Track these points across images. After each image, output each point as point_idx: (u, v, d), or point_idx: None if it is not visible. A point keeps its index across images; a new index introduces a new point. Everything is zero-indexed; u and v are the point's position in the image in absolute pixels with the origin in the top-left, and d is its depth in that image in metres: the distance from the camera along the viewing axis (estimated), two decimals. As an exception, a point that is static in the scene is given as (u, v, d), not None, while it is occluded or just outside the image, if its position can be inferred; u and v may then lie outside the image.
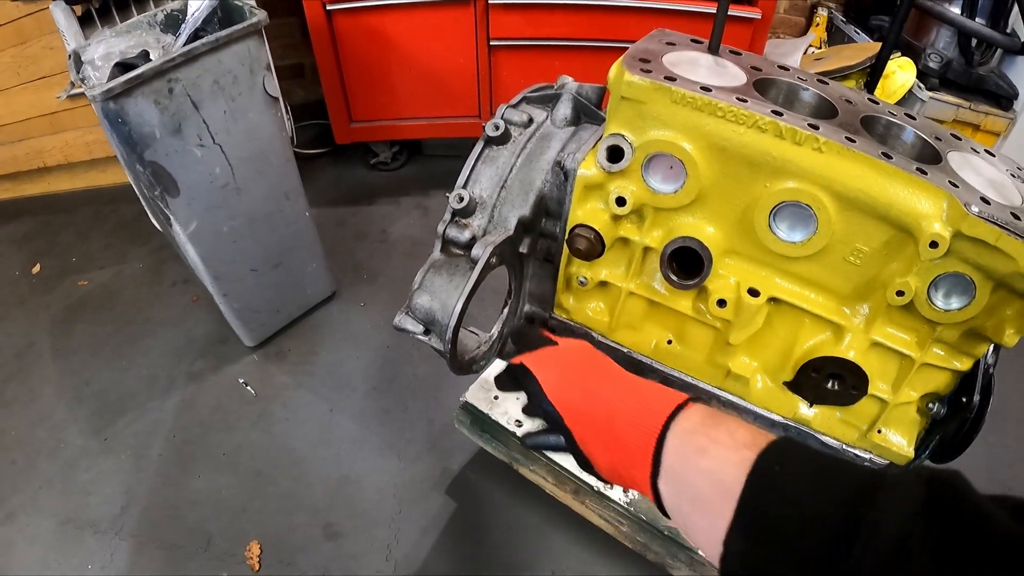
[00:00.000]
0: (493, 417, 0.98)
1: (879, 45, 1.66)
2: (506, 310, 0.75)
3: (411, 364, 1.34)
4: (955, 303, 0.54)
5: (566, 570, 1.03)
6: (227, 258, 1.18)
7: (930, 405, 0.63)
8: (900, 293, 0.54)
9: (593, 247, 0.64)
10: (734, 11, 1.36)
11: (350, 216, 1.69)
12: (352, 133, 1.64)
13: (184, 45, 1.09)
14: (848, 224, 0.54)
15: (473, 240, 0.64)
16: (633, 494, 0.91)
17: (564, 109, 0.67)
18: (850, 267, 0.57)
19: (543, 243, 0.70)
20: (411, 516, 1.10)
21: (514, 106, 0.68)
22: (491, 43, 1.48)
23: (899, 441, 0.64)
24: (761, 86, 0.58)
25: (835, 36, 1.95)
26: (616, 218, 0.62)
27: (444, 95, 1.60)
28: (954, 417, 0.61)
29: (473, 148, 0.67)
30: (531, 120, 0.66)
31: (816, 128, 0.52)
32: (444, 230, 0.65)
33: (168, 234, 1.22)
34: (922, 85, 1.63)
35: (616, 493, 0.92)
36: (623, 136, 0.58)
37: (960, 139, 0.60)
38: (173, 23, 1.15)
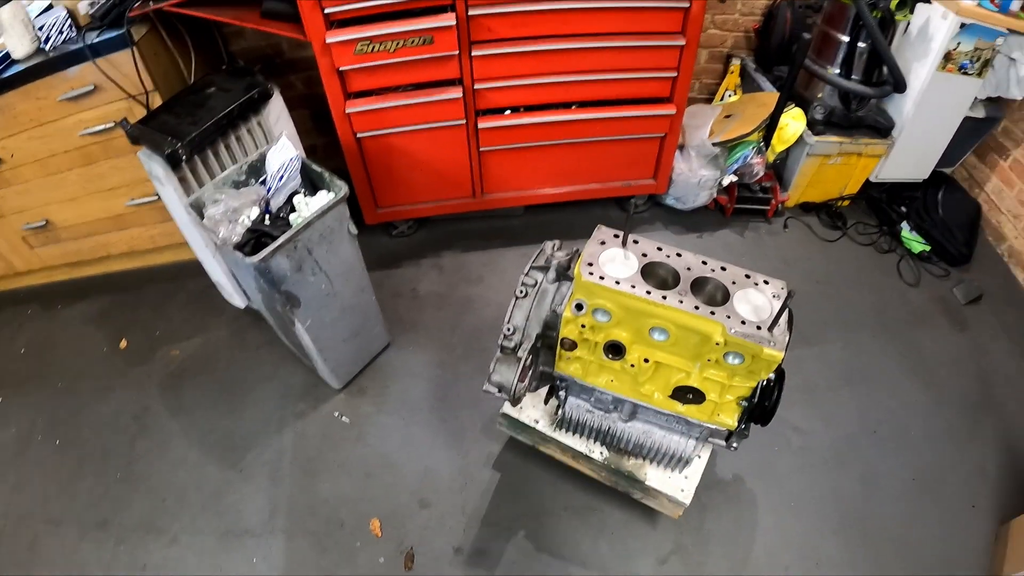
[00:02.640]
0: (521, 420, 1.81)
1: (775, 97, 2.43)
2: (531, 370, 1.56)
3: (455, 388, 2.12)
4: (736, 361, 1.37)
5: (571, 503, 1.87)
6: (327, 336, 1.91)
7: (742, 402, 1.47)
8: (709, 360, 1.37)
9: (573, 345, 1.44)
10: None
11: (384, 279, 2.42)
12: (378, 216, 2.38)
13: (284, 203, 1.81)
14: (682, 333, 1.35)
15: (516, 347, 1.44)
16: (603, 453, 1.75)
17: (551, 275, 1.45)
18: (686, 348, 1.38)
19: (548, 341, 1.50)
20: (473, 485, 1.91)
21: (527, 274, 1.47)
22: (481, 150, 2.22)
23: (728, 420, 1.48)
24: (646, 269, 1.37)
25: (747, 82, 2.73)
26: (581, 332, 1.42)
27: (447, 184, 2.34)
28: (756, 407, 1.46)
29: (512, 301, 1.46)
30: (536, 282, 1.45)
31: (664, 297, 1.32)
32: (501, 343, 1.45)
33: (286, 328, 1.93)
34: (810, 132, 2.43)
35: (596, 453, 1.76)
36: (583, 300, 1.37)
37: (751, 277, 1.40)
38: (255, 172, 1.84)
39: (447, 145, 2.21)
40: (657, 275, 1.38)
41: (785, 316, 1.28)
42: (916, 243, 2.53)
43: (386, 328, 2.18)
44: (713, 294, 1.37)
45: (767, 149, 2.46)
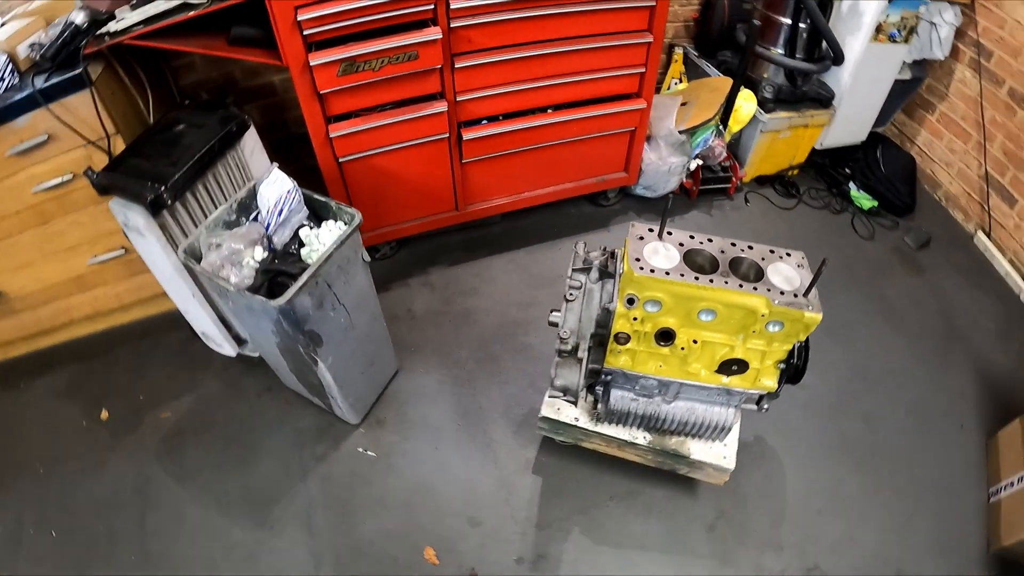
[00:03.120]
0: (562, 420, 1.88)
1: (729, 80, 2.65)
2: (584, 367, 1.63)
3: (474, 402, 2.15)
4: (776, 329, 1.51)
5: (615, 492, 1.96)
6: (347, 371, 1.89)
7: (780, 364, 1.62)
8: (753, 331, 1.50)
9: (627, 338, 1.53)
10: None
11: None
12: (363, 241, 2.34)
13: (290, 238, 1.77)
14: (728, 311, 1.47)
15: (574, 349, 1.51)
16: (646, 438, 1.86)
17: (594, 275, 1.53)
18: (731, 324, 1.51)
19: (599, 338, 1.58)
20: (517, 493, 1.95)
21: (571, 278, 1.54)
22: (463, 162, 2.25)
23: (770, 383, 1.63)
24: (687, 257, 1.48)
25: (691, 69, 2.93)
26: (633, 324, 1.52)
27: (430, 200, 2.36)
28: (791, 368, 1.61)
29: (563, 304, 1.53)
30: (581, 285, 1.52)
31: (711, 280, 1.43)
32: (558, 347, 1.51)
33: (301, 370, 1.88)
34: (762, 110, 2.65)
35: (640, 438, 1.87)
36: (635, 294, 1.46)
37: (775, 252, 1.55)
38: (245, 210, 1.80)
39: (430, 160, 2.23)
40: (695, 261, 1.49)
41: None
42: (865, 200, 2.83)
43: (395, 353, 2.18)
44: (747, 272, 1.50)
45: (725, 131, 2.67)
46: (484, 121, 2.22)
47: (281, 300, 1.52)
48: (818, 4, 2.30)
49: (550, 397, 1.55)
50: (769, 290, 1.42)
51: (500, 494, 1.95)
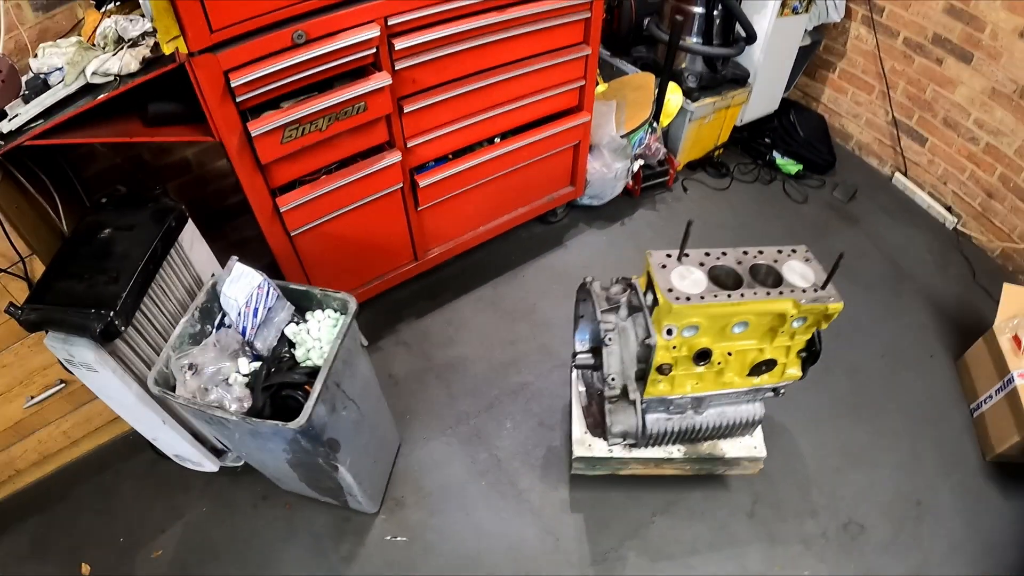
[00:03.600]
0: (597, 456, 1.88)
1: (650, 76, 2.73)
2: (639, 409, 1.63)
3: (489, 455, 2.10)
4: (799, 324, 1.60)
5: (656, 507, 2.00)
6: (362, 464, 1.78)
7: (801, 353, 1.72)
8: (782, 332, 1.58)
9: (669, 368, 1.55)
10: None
11: (362, 374, 2.28)
12: None
13: (277, 340, 1.61)
14: (759, 319, 1.54)
15: (622, 391, 1.51)
16: (681, 451, 1.92)
17: (623, 312, 1.53)
18: (761, 330, 1.58)
19: (638, 373, 1.59)
20: (564, 537, 1.93)
21: (604, 322, 1.53)
22: (419, 209, 2.17)
23: (796, 373, 1.72)
24: (712, 274, 1.52)
25: (605, 69, 2.98)
26: (672, 352, 1.54)
27: (387, 256, 2.27)
28: (813, 354, 1.71)
29: (603, 349, 1.51)
30: (614, 326, 1.52)
31: (743, 295, 1.49)
32: (607, 394, 1.50)
33: (315, 476, 1.74)
34: (689, 100, 2.76)
35: (675, 453, 1.92)
36: (673, 324, 1.48)
37: (782, 251, 1.63)
38: (208, 315, 1.63)
39: (385, 215, 2.13)
40: (717, 277, 1.54)
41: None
42: (790, 165, 3.05)
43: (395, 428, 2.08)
44: (767, 277, 1.57)
45: (658, 126, 2.76)
46: (435, 163, 2.15)
47: (300, 420, 1.39)
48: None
49: (610, 443, 1.55)
50: (792, 291, 1.50)
51: (548, 542, 1.93)
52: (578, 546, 1.93)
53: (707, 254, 1.57)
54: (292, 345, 1.63)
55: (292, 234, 1.94)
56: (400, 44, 1.74)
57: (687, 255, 1.55)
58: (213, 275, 1.91)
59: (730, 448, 1.91)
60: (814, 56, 3.16)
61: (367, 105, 1.78)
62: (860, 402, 2.29)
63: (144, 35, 1.59)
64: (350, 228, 2.07)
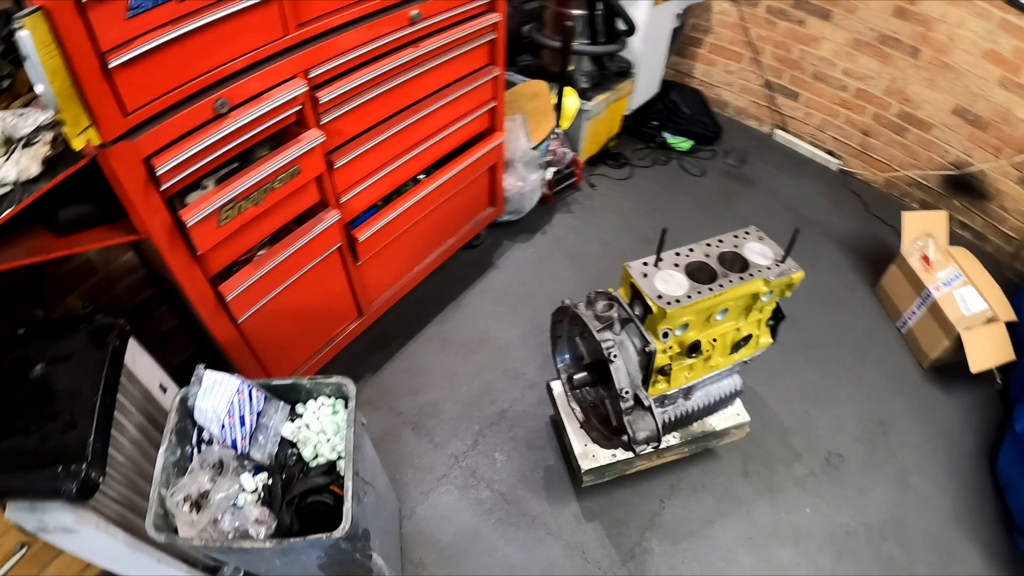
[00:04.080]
0: (603, 463, 1.98)
1: (542, 83, 2.84)
2: (654, 411, 1.73)
3: (490, 492, 2.13)
4: (768, 297, 1.78)
5: (661, 493, 2.14)
6: (385, 541, 1.74)
7: (769, 322, 1.91)
8: (759, 310, 1.76)
9: (669, 369, 1.67)
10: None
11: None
12: None
13: (276, 444, 1.53)
14: (737, 302, 1.70)
15: (636, 399, 1.60)
16: (676, 437, 2.06)
17: (616, 327, 1.63)
18: (738, 311, 1.74)
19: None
20: (589, 547, 2.01)
21: (603, 340, 1.61)
22: (358, 263, 2.13)
23: (768, 340, 1.91)
24: (688, 271, 1.65)
25: None
26: (668, 352, 1.66)
27: (334, 320, 2.22)
28: (778, 319, 1.91)
29: (611, 367, 1.60)
30: (614, 342, 1.61)
31: (722, 285, 1.63)
32: (623, 407, 1.59)
33: (355, 568, 1.65)
34: (585, 100, 2.90)
35: (672, 440, 2.06)
36: (668, 328, 1.60)
37: (737, 235, 1.79)
38: (184, 436, 1.52)
39: (327, 277, 2.08)
40: (694, 273, 1.68)
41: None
42: (682, 143, 3.32)
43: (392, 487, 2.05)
44: (733, 262, 1.73)
45: (560, 130, 2.88)
46: (367, 214, 2.12)
47: (344, 526, 1.33)
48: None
49: (638, 453, 1.64)
50: (760, 271, 1.67)
51: (575, 557, 2.01)
52: (604, 552, 2.02)
53: (677, 254, 1.70)
54: (293, 445, 1.56)
55: (239, 321, 1.84)
56: (325, 96, 1.70)
57: (661, 259, 1.67)
58: (163, 386, 1.79)
59: (718, 422, 2.09)
60: (682, 36, 3.44)
61: (301, 168, 1.73)
62: (805, 348, 2.58)
63: (39, 130, 1.40)
64: (294, 299, 2.00)
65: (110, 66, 1.22)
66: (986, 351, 2.38)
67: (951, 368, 2.50)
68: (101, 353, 1.51)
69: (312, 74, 1.64)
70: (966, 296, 2.45)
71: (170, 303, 2.15)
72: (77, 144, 1.29)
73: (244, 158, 1.68)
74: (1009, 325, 2.42)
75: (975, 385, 2.52)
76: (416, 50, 1.88)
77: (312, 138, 1.70)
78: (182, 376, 1.84)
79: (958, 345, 2.38)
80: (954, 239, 2.80)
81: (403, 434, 2.29)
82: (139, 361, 1.71)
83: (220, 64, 1.44)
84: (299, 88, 1.60)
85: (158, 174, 1.41)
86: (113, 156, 1.33)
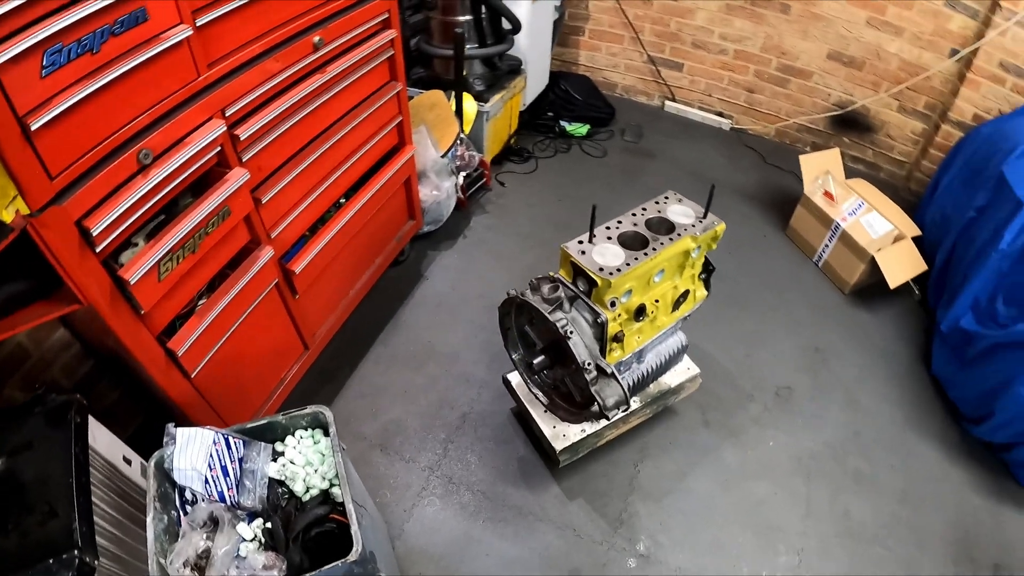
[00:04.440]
0: (575, 440, 2.11)
1: (439, 92, 2.94)
2: (618, 376, 1.87)
3: (470, 494, 2.22)
4: (697, 252, 1.97)
5: (633, 459, 2.30)
6: (386, 561, 1.78)
7: (701, 276, 2.10)
8: (691, 266, 1.95)
9: (622, 335, 1.82)
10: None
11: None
12: None
13: (265, 488, 1.54)
14: (671, 262, 1.87)
15: (598, 368, 1.74)
16: (637, 401, 2.23)
17: (565, 305, 1.76)
18: (673, 269, 1.92)
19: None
20: (579, 524, 2.13)
21: (556, 320, 1.73)
22: (296, 295, 2.17)
23: (703, 293, 2.11)
24: (621, 241, 1.81)
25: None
26: (618, 319, 1.81)
27: (282, 357, 2.25)
28: (709, 271, 2.11)
29: (568, 343, 1.72)
30: (567, 320, 1.74)
31: (655, 249, 1.80)
32: (588, 378, 1.72)
33: None
34: (482, 103, 3.03)
35: (635, 404, 2.22)
36: (614, 296, 1.74)
37: (658, 201, 1.97)
38: (166, 500, 1.53)
39: (269, 315, 2.10)
40: (626, 242, 1.85)
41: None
42: (579, 128, 3.54)
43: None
44: (660, 225, 1.91)
45: (464, 135, 3.01)
46: (297, 247, 2.17)
47: (357, 548, 1.38)
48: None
49: (610, 418, 1.78)
50: (686, 229, 1.86)
51: (568, 536, 2.13)
52: (594, 524, 2.15)
53: (608, 228, 1.86)
54: (282, 484, 1.59)
55: (193, 375, 1.84)
56: (244, 133, 1.73)
57: (594, 235, 1.82)
58: (126, 458, 1.77)
59: (672, 379, 2.28)
60: (563, 26, 3.66)
61: (231, 208, 1.76)
62: (735, 297, 2.84)
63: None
64: (242, 344, 2.01)
65: (31, 129, 1.22)
66: (900, 267, 2.73)
67: (871, 289, 2.84)
68: (64, 433, 1.49)
69: (228, 112, 1.68)
70: (871, 221, 2.78)
71: (111, 374, 2.10)
72: (7, 216, 1.27)
73: (169, 211, 1.70)
74: (916, 240, 2.78)
75: (896, 300, 2.89)
76: (323, 75, 1.95)
77: (238, 176, 1.74)
78: (138, 447, 1.84)
79: (873, 267, 2.71)
80: (850, 173, 3.18)
81: (372, 458, 2.33)
82: (99, 436, 1.68)
83: (139, 114, 1.46)
84: (218, 128, 1.64)
85: (93, 235, 1.40)
86: (44, 224, 1.32)
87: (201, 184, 1.72)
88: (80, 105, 1.31)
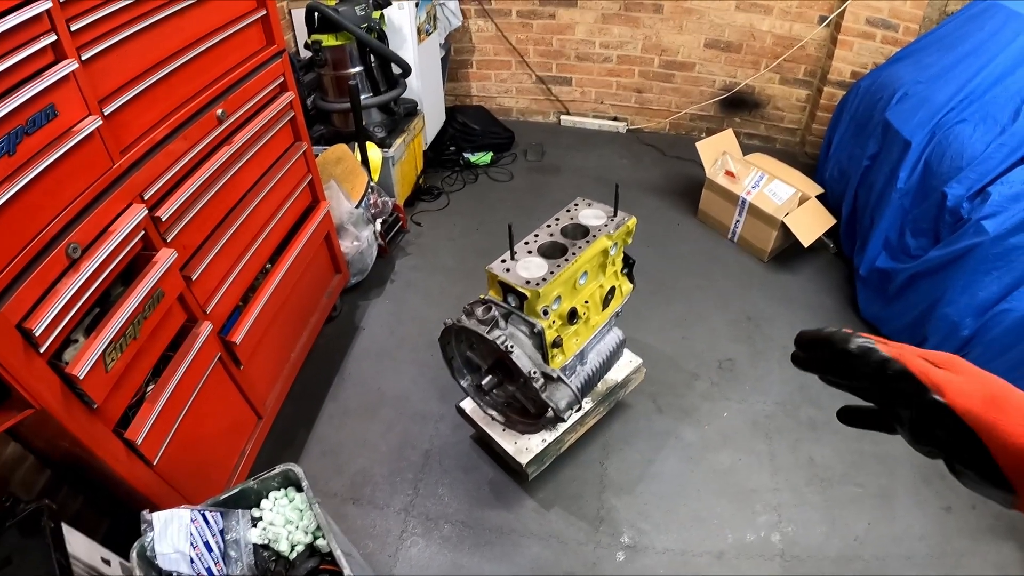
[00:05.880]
0: (537, 451, 2.29)
1: (342, 146, 3.13)
2: (566, 379, 2.07)
3: (448, 525, 2.36)
4: (615, 249, 2.22)
5: (599, 458, 2.50)
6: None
7: (623, 271, 2.35)
8: (612, 263, 2.19)
9: (560, 341, 2.03)
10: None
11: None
12: None
13: (248, 551, 1.64)
14: (591, 263, 2.10)
15: (545, 376, 1.94)
16: (589, 401, 2.43)
17: (501, 323, 1.96)
18: (595, 269, 2.15)
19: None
20: (558, 532, 2.30)
21: (495, 339, 1.93)
22: (241, 367, 2.28)
23: (628, 286, 2.34)
24: (541, 252, 2.03)
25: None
26: (553, 325, 2.02)
27: (235, 430, 2.34)
28: (629, 264, 2.35)
29: (511, 357, 1.92)
30: (505, 336, 1.94)
31: (574, 253, 2.03)
32: (536, 387, 1.92)
33: None
34: (386, 149, 3.23)
35: (587, 404, 2.42)
36: (545, 305, 1.96)
37: (569, 209, 2.21)
38: None
39: (218, 391, 2.20)
40: (547, 253, 2.07)
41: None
42: (483, 157, 3.83)
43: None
44: (575, 231, 2.15)
45: (374, 184, 3.20)
46: (233, 319, 2.29)
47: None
48: (378, 39, 2.97)
49: (566, 419, 1.97)
50: (600, 230, 2.11)
51: (553, 545, 2.29)
52: (576, 528, 2.33)
53: (526, 243, 2.09)
54: (266, 547, 1.70)
55: (155, 463, 1.93)
56: (164, 213, 1.86)
57: (515, 252, 2.04)
58: (105, 559, 1.83)
59: (617, 374, 2.51)
60: (450, 62, 3.93)
61: (164, 290, 1.88)
62: (660, 286, 3.14)
63: None
64: (196, 423, 2.10)
65: (-40, 238, 1.33)
66: (810, 225, 3.09)
67: (787, 252, 3.22)
68: (42, 541, 1.55)
69: (147, 195, 1.80)
70: (775, 189, 3.14)
71: (69, 480, 2.14)
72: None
73: (102, 303, 1.81)
74: (820, 197, 3.16)
75: (813, 257, 3.28)
76: (231, 146, 2.10)
77: (166, 257, 1.86)
78: (112, 548, 1.90)
79: (785, 231, 3.06)
80: (747, 149, 3.55)
81: (346, 512, 2.44)
82: (73, 541, 1.74)
83: (62, 209, 1.57)
84: (140, 213, 1.76)
85: (35, 336, 1.49)
86: (-17, 339, 1.40)
87: (130, 272, 1.84)
88: (5, 207, 1.41)
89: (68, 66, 1.51)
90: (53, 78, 1.47)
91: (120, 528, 2.06)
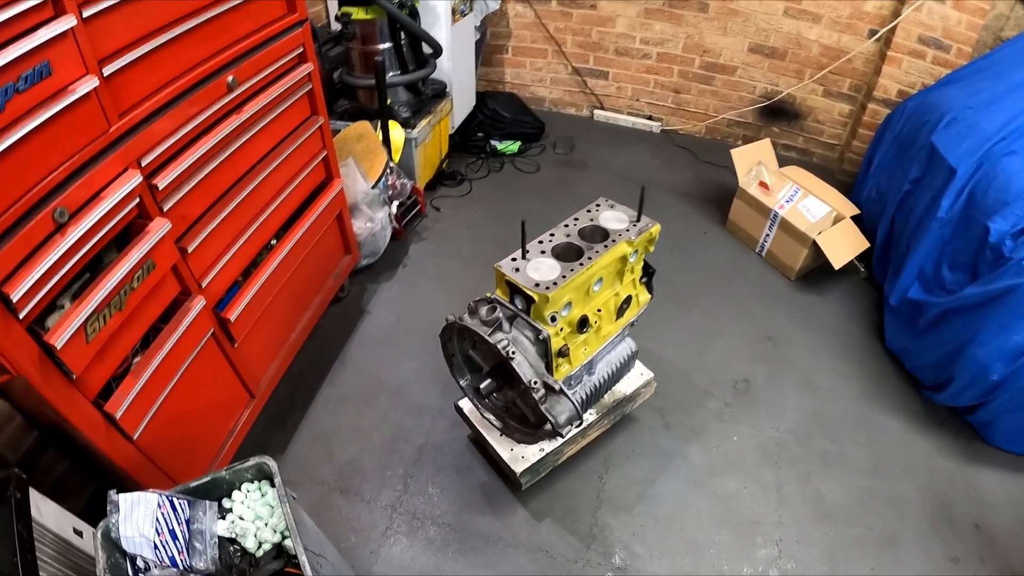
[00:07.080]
0: (534, 460, 2.19)
1: (365, 123, 3.04)
2: (568, 393, 1.97)
3: (436, 528, 2.28)
4: (634, 256, 2.10)
5: (598, 470, 2.41)
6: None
7: (642, 280, 2.23)
8: (631, 271, 2.07)
9: (566, 350, 1.93)
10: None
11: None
12: None
13: (213, 543, 1.57)
14: (608, 270, 1.99)
15: (546, 386, 1.84)
16: (594, 413, 2.33)
17: (505, 326, 1.86)
18: (612, 276, 2.04)
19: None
20: (551, 545, 2.21)
21: (497, 342, 1.82)
22: (235, 344, 2.21)
23: (645, 297, 2.23)
24: (555, 253, 1.92)
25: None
26: (561, 333, 1.91)
27: (226, 408, 2.27)
28: (649, 274, 2.24)
29: (512, 363, 1.82)
30: (508, 340, 1.83)
31: (590, 257, 1.92)
32: (537, 397, 1.82)
33: None
34: (409, 130, 3.14)
35: (591, 416, 2.32)
36: (554, 311, 1.85)
37: (590, 209, 2.10)
38: (117, 570, 1.55)
39: (209, 366, 2.13)
40: (561, 254, 1.96)
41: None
42: (510, 146, 3.71)
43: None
44: (594, 233, 2.04)
45: (394, 164, 3.11)
46: (231, 293, 2.21)
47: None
48: (411, 16, 2.87)
49: (564, 435, 1.87)
50: (620, 234, 1.99)
51: (541, 559, 2.20)
52: (566, 543, 2.24)
53: (540, 242, 1.98)
54: (233, 541, 1.62)
55: (135, 437, 1.86)
56: (162, 182, 1.78)
57: (527, 251, 1.93)
58: (77, 530, 1.78)
59: (626, 386, 2.40)
60: (485, 46, 3.82)
61: (155, 261, 1.80)
62: (680, 296, 3.01)
63: None
64: (184, 399, 2.04)
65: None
66: (842, 247, 2.94)
67: (817, 272, 3.07)
68: (4, 511, 1.50)
69: (144, 162, 1.73)
70: (809, 206, 2.98)
71: (55, 444, 2.10)
72: (-79, 294, 1.31)
73: (94, 267, 1.74)
74: (855, 219, 2.99)
75: (843, 279, 3.12)
76: (240, 116, 2.01)
77: (159, 227, 1.78)
78: (92, 517, 1.84)
79: (816, 250, 2.91)
80: (783, 161, 3.41)
81: (332, 501, 2.37)
82: (44, 510, 1.69)
83: (51, 171, 1.49)
84: (134, 179, 1.68)
85: (13, 301, 1.43)
86: (-39, 296, 1.35)
87: (124, 238, 1.77)
88: (-11, 167, 1.35)
89: (67, 22, 1.43)
90: (49, 34, 1.39)
91: (102, 498, 2.00)
